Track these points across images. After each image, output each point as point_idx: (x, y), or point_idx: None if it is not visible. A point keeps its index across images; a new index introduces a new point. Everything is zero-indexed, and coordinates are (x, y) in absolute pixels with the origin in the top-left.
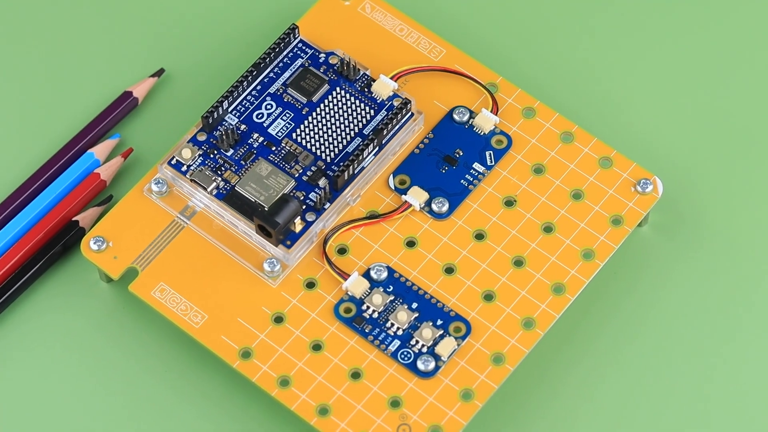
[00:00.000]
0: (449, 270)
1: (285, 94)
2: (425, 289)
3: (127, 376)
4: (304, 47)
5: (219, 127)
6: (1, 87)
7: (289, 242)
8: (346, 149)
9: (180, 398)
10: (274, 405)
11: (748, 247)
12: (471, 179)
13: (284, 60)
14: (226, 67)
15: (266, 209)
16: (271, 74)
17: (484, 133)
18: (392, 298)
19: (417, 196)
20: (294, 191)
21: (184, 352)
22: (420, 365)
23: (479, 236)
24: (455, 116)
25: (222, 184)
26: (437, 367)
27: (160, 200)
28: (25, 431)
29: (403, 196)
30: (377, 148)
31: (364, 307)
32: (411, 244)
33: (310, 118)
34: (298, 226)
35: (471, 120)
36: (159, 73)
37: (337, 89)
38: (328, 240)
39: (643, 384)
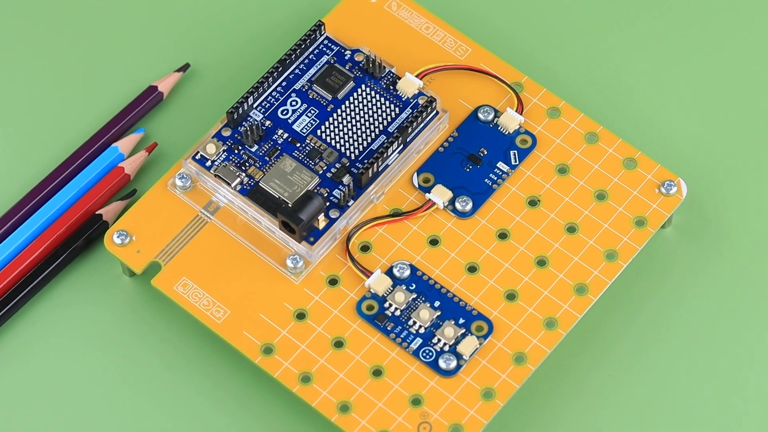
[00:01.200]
0: (472, 269)
1: (310, 91)
2: (448, 287)
3: (149, 371)
4: (330, 44)
5: (244, 123)
6: (28, 80)
7: (312, 239)
8: (371, 147)
9: (201, 393)
10: (295, 401)
11: None
12: (495, 178)
13: (310, 57)
14: (251, 63)
15: (290, 205)
16: (297, 70)
17: (509, 133)
18: (415, 296)
19: (441, 195)
20: (318, 188)
21: (205, 347)
22: (442, 364)
23: (502, 235)
24: (480, 115)
25: (246, 179)
26: (459, 366)
27: (184, 195)
28: (45, 422)
29: (427, 194)
30: (402, 146)
31: (386, 305)
32: (434, 242)
33: (335, 114)
34: (322, 222)
35: (496, 119)
36: (184, 68)
37: (363, 86)
38: (352, 237)
39: (666, 387)
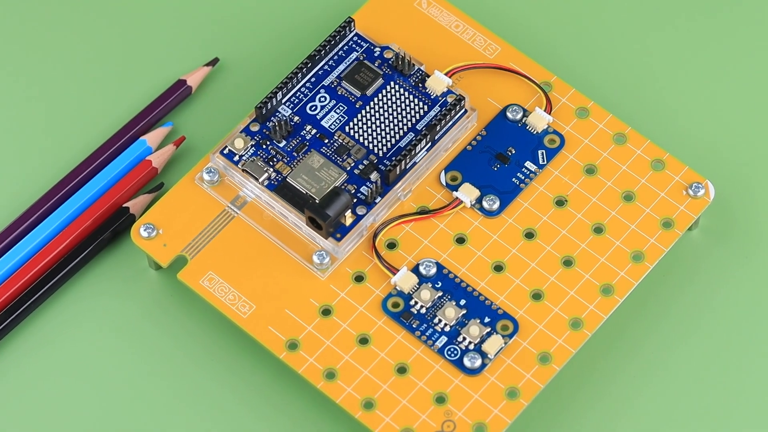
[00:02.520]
0: (498, 268)
1: (339, 87)
2: (474, 286)
3: (173, 364)
4: (359, 41)
5: (272, 118)
6: (59, 71)
7: (339, 235)
8: (399, 144)
9: (225, 388)
10: (319, 397)
11: None
12: (522, 177)
13: (339, 53)
14: (280, 58)
15: (317, 201)
16: (326, 66)
17: (537, 132)
18: (440, 294)
19: (468, 193)
20: (345, 184)
21: (230, 341)
22: (466, 362)
23: (529, 235)
24: (509, 114)
25: (273, 175)
26: (483, 365)
27: (211, 189)
28: (69, 411)
29: (455, 192)
30: (430, 144)
31: (412, 303)
32: (461, 240)
33: (363, 111)
34: (349, 219)
35: (524, 118)
36: (213, 62)
37: (392, 83)
38: (378, 234)
39: (691, 391)
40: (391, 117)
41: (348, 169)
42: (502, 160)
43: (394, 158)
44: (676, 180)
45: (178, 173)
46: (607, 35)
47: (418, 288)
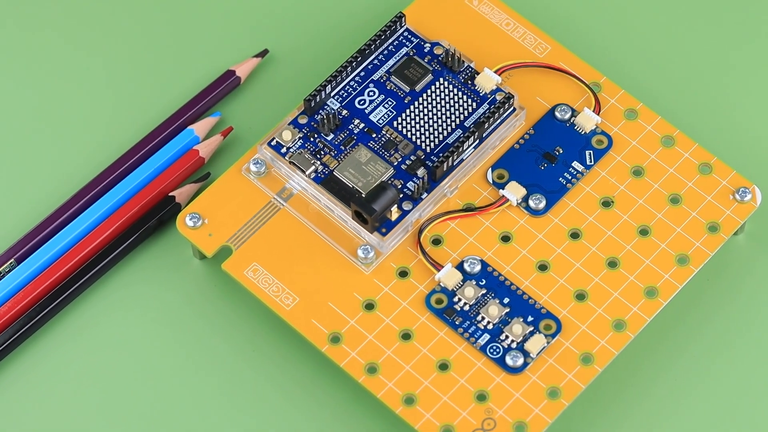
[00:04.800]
0: (543, 267)
1: (388, 82)
2: (518, 284)
3: (214, 353)
4: (409, 36)
5: (321, 111)
6: (111, 59)
7: (384, 230)
8: (446, 140)
9: (266, 379)
10: (360, 392)
11: None
12: (569, 177)
13: (389, 48)
14: (329, 52)
15: (363, 196)
16: (376, 61)
17: (585, 133)
18: (484, 291)
19: (514, 192)
20: (392, 179)
21: (272, 333)
22: (508, 360)
23: (574, 235)
24: (557, 114)
25: (320, 168)
26: (525, 364)
27: (258, 180)
28: (110, 397)
29: (501, 190)
30: (477, 141)
31: (455, 299)
32: (506, 239)
33: (412, 107)
34: (395, 214)
35: (573, 118)
36: (263, 53)
37: (441, 80)
38: (424, 230)
39: (734, 399)
40: (439, 113)
41: (395, 164)
42: (550, 159)
43: (441, 155)
44: (723, 184)
45: (224, 163)
46: (658, 37)
47: (462, 285)
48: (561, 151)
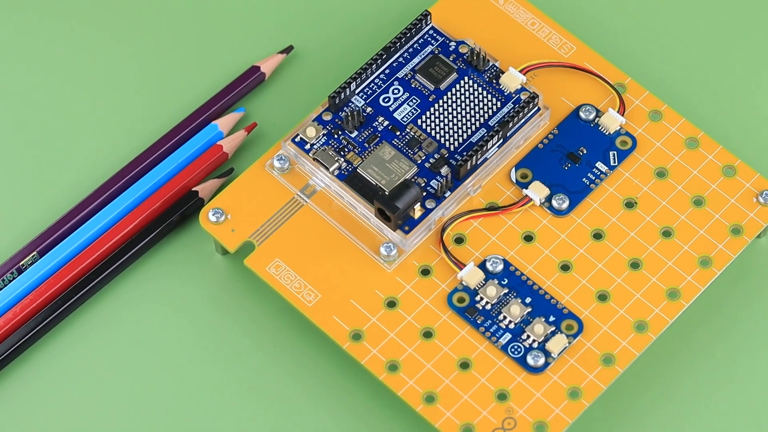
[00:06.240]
0: (565, 267)
1: (413, 80)
2: (540, 284)
3: (236, 349)
4: (435, 34)
5: (345, 108)
6: (137, 53)
7: (407, 228)
8: (470, 139)
9: (287, 375)
10: (381, 389)
11: None
12: (593, 178)
13: (414, 46)
14: (354, 49)
15: (387, 193)
16: (401, 59)
17: (609, 133)
18: (506, 291)
19: (538, 191)
20: (415, 177)
21: (294, 329)
22: (530, 360)
23: (597, 236)
24: (581, 114)
25: (344, 165)
26: (547, 364)
27: (281, 177)
28: (130, 390)
29: (524, 190)
30: (501, 141)
31: (477, 298)
32: (528, 238)
33: (436, 105)
34: (418, 212)
35: (597, 119)
36: (288, 50)
37: (466, 78)
38: (446, 228)
39: (758, 403)
40: (463, 112)
41: (419, 162)
42: (573, 159)
43: (465, 153)
44: (747, 187)
45: (248, 159)
46: (683, 38)
47: (484, 284)
48: (585, 152)
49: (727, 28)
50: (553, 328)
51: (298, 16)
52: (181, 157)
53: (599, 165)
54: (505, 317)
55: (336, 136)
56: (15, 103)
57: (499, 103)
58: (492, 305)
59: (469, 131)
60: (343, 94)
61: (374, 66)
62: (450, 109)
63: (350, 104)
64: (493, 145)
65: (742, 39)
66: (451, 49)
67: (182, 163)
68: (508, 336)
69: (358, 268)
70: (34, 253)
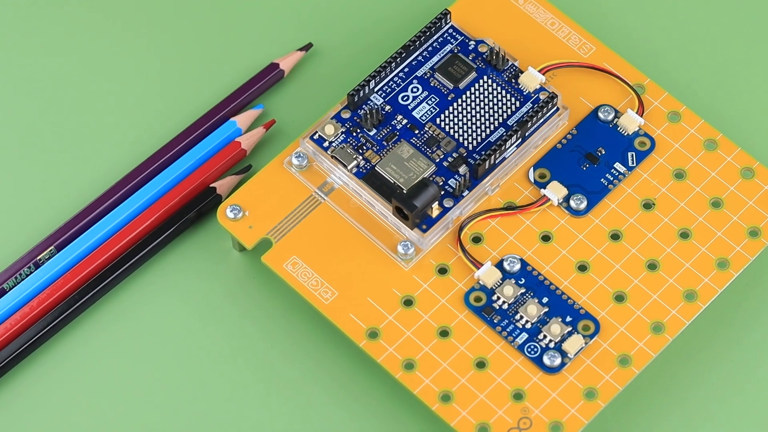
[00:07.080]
0: (582, 267)
1: (432, 79)
2: (557, 284)
3: (252, 346)
4: (454, 33)
5: (364, 106)
6: (156, 49)
7: (425, 226)
8: (489, 138)
9: (303, 372)
10: (397, 387)
11: None
12: (611, 179)
13: (434, 44)
14: (373, 47)
15: (405, 191)
16: (420, 57)
17: (628, 134)
18: (523, 290)
19: (556, 191)
20: (434, 176)
21: (310, 327)
22: (546, 360)
23: (615, 236)
24: (600, 114)
25: (362, 162)
26: (563, 364)
27: (300, 174)
28: (145, 385)
29: (542, 190)
30: (520, 140)
31: (494, 298)
32: (546, 238)
33: (455, 104)
34: (435, 211)
35: (616, 119)
36: (307, 47)
37: (485, 78)
38: (464, 227)
39: None
40: (482, 111)
41: (437, 160)
42: (592, 160)
43: (483, 152)
44: (765, 189)
45: (266, 156)
46: (702, 40)
47: (501, 283)
48: (603, 152)
49: (746, 30)
50: (569, 329)
51: (317, 14)
52: (199, 153)
53: (617, 166)
54: (521, 317)
55: (354, 134)
56: (35, 98)
57: (518, 103)
58: (509, 305)
59: (488, 130)
60: (362, 92)
61: (393, 64)
62: (469, 108)
63: (369, 102)
64: (511, 145)
65: (761, 41)
66: (470, 48)
67: (200, 159)
68: (524, 336)
69: (375, 266)
70: (52, 247)
